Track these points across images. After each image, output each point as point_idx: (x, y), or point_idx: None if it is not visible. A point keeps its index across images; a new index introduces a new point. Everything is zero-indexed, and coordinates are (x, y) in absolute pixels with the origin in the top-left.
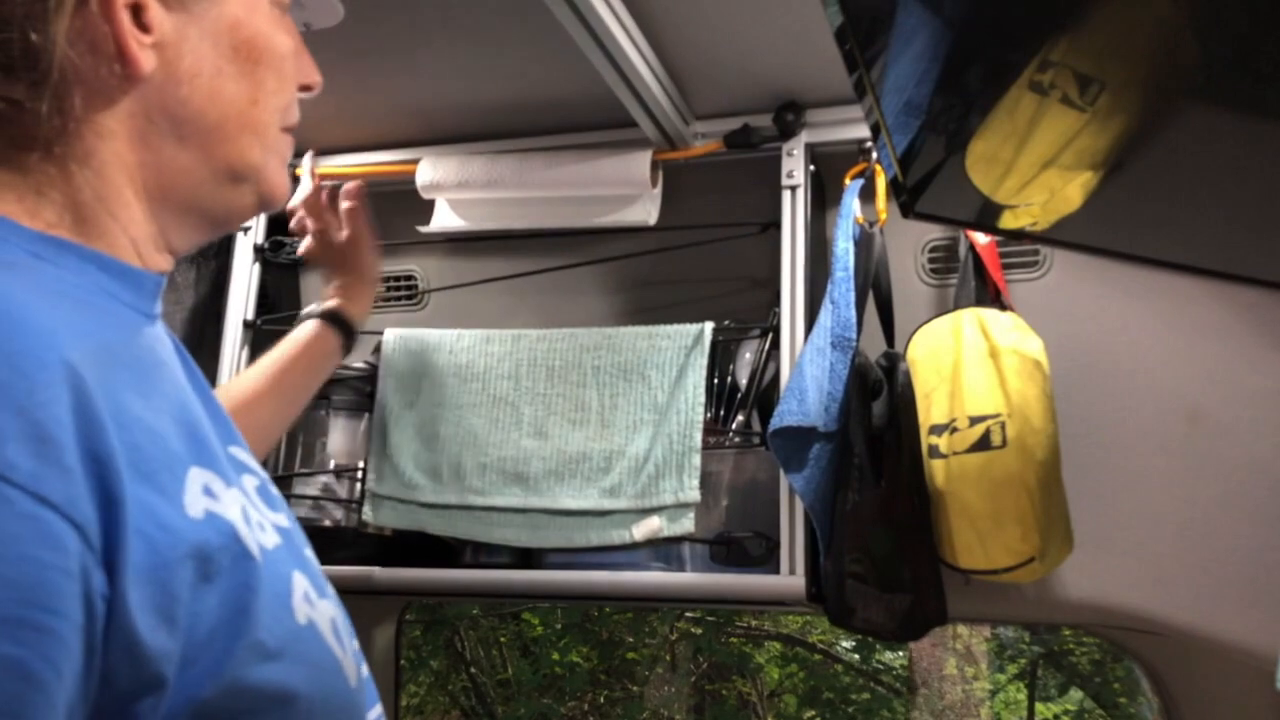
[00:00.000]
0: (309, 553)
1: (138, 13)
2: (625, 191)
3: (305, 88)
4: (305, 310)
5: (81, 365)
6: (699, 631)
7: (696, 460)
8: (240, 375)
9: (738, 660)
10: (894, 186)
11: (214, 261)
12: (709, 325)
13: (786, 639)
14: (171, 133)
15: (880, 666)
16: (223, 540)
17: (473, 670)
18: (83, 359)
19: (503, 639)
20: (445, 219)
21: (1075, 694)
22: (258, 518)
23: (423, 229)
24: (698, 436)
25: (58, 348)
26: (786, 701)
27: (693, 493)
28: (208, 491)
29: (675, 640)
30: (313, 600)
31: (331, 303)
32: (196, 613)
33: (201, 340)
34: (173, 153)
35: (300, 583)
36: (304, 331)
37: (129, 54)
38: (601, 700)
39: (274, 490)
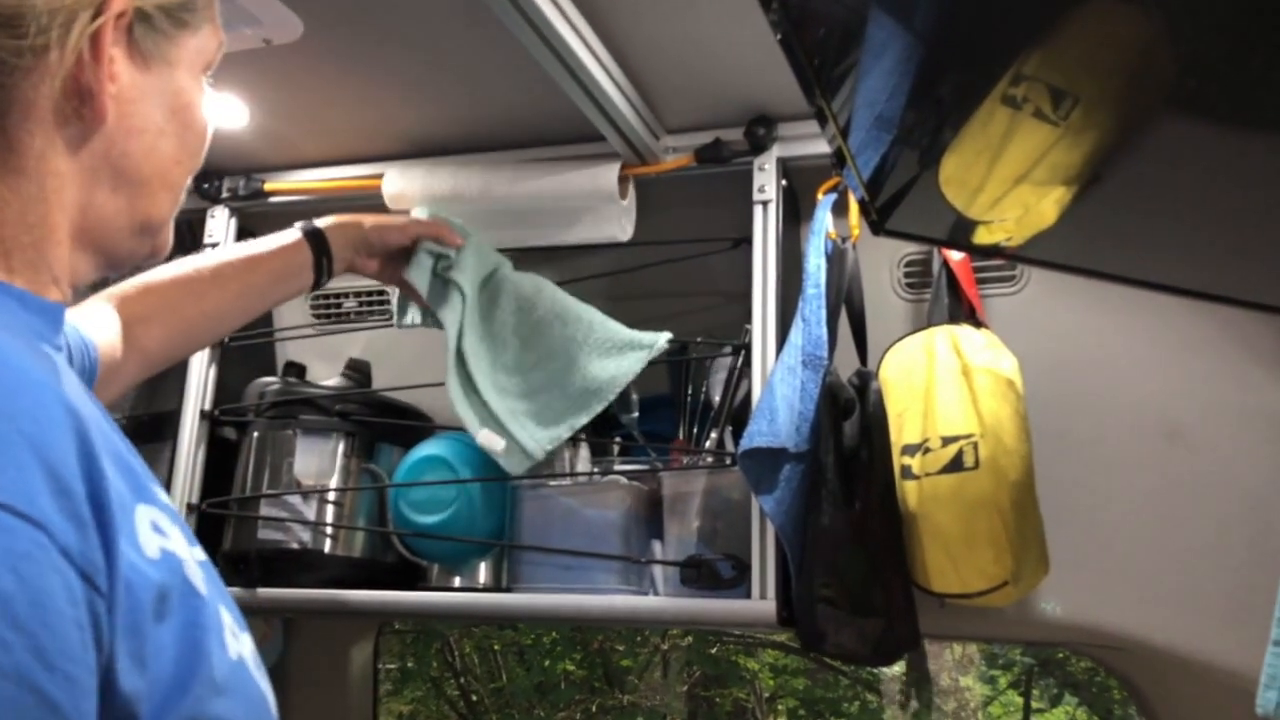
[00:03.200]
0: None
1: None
2: (596, 206)
3: None
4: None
5: (77, 411)
6: (690, 641)
7: (562, 434)
8: (204, 254)
9: (726, 670)
10: (863, 207)
11: None
12: (664, 335)
13: (780, 646)
14: (109, 180)
15: (872, 676)
16: (175, 579)
17: (463, 680)
18: (72, 404)
19: (495, 646)
20: None
21: (1071, 699)
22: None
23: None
24: (580, 422)
25: (61, 397)
26: (784, 703)
27: (541, 443)
28: (156, 528)
29: (667, 649)
30: (237, 634)
31: (320, 222)
32: (154, 653)
33: None
34: (104, 199)
35: (226, 618)
36: (285, 236)
37: (100, 102)
38: (594, 709)
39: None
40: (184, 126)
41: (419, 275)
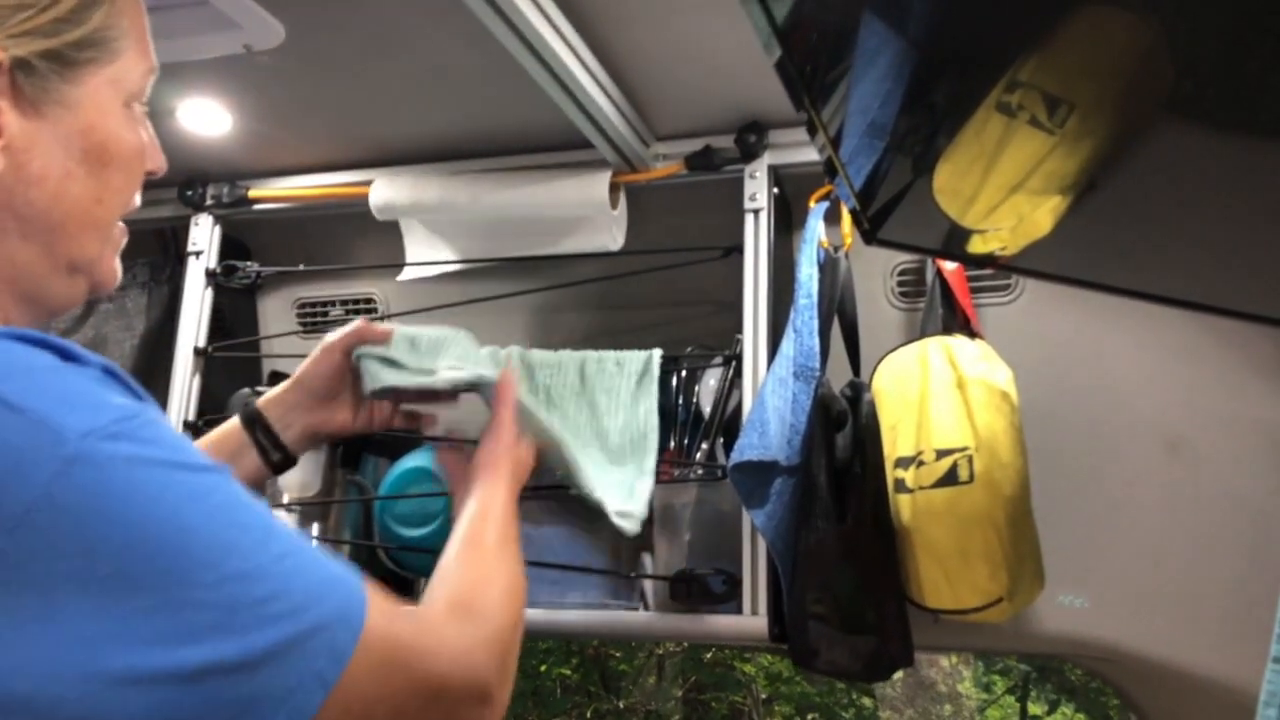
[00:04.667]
0: None
1: None
2: (586, 214)
3: (151, 173)
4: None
5: None
6: (686, 646)
7: (647, 485)
8: None
9: (722, 675)
10: (855, 216)
11: (166, 286)
12: (656, 353)
13: (776, 650)
14: (16, 229)
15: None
16: None
17: None
18: None
19: None
20: (416, 256)
21: (1068, 705)
22: None
23: (400, 279)
24: (650, 462)
25: None
26: (781, 708)
27: (638, 509)
28: None
29: (663, 654)
30: None
31: (257, 401)
32: None
33: (153, 369)
34: (16, 247)
35: None
36: (227, 424)
37: None
38: (589, 715)
39: None
40: (100, 164)
41: (377, 378)
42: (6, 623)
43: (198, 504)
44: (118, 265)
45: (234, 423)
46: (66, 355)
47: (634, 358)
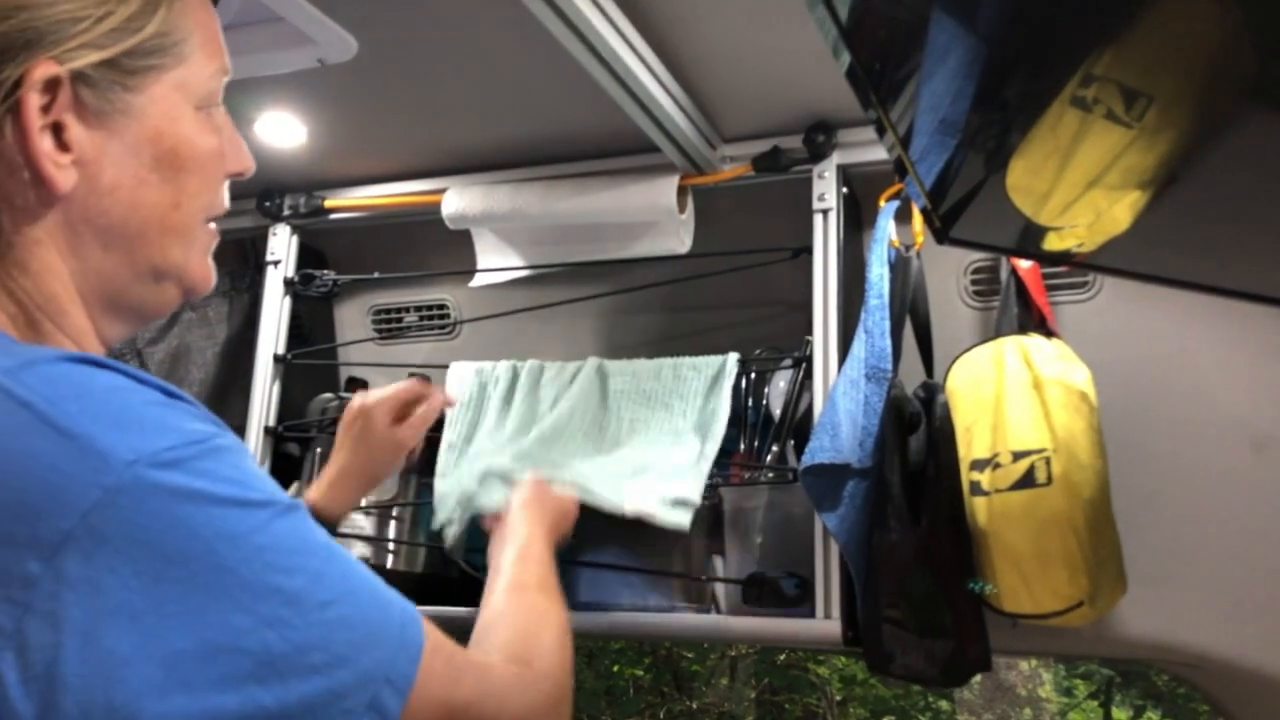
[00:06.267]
0: None
1: (58, 132)
2: (655, 219)
3: (238, 174)
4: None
5: None
6: (756, 648)
7: (704, 468)
8: None
9: (796, 677)
10: (926, 216)
11: (246, 295)
12: (733, 357)
13: (850, 652)
14: (96, 240)
15: None
16: None
17: None
18: None
19: None
20: (487, 263)
21: (1153, 712)
22: None
23: (472, 285)
24: (711, 447)
25: None
26: (855, 711)
27: (693, 494)
28: None
29: (735, 655)
30: None
31: (311, 493)
32: None
33: (234, 375)
34: (99, 258)
35: None
36: None
37: (46, 175)
38: (662, 715)
39: None
40: (174, 170)
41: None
42: (41, 659)
43: (239, 543)
44: (211, 267)
45: None
46: (135, 379)
47: (709, 363)
